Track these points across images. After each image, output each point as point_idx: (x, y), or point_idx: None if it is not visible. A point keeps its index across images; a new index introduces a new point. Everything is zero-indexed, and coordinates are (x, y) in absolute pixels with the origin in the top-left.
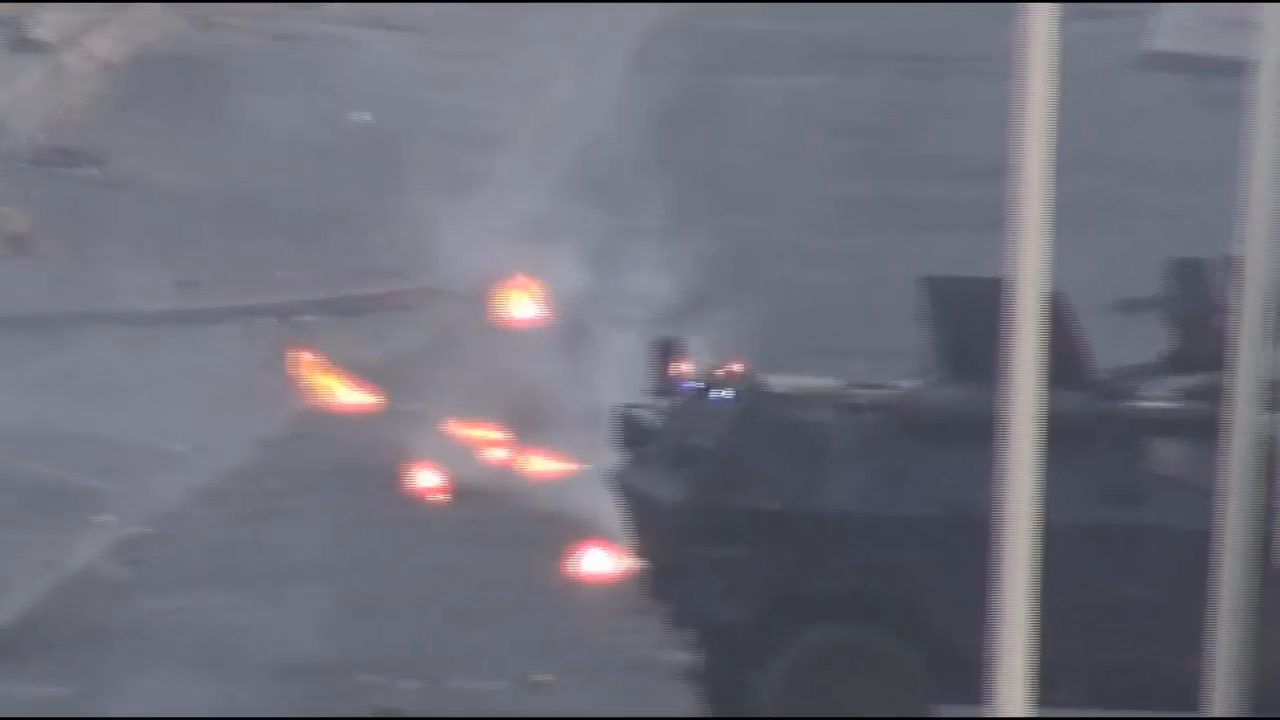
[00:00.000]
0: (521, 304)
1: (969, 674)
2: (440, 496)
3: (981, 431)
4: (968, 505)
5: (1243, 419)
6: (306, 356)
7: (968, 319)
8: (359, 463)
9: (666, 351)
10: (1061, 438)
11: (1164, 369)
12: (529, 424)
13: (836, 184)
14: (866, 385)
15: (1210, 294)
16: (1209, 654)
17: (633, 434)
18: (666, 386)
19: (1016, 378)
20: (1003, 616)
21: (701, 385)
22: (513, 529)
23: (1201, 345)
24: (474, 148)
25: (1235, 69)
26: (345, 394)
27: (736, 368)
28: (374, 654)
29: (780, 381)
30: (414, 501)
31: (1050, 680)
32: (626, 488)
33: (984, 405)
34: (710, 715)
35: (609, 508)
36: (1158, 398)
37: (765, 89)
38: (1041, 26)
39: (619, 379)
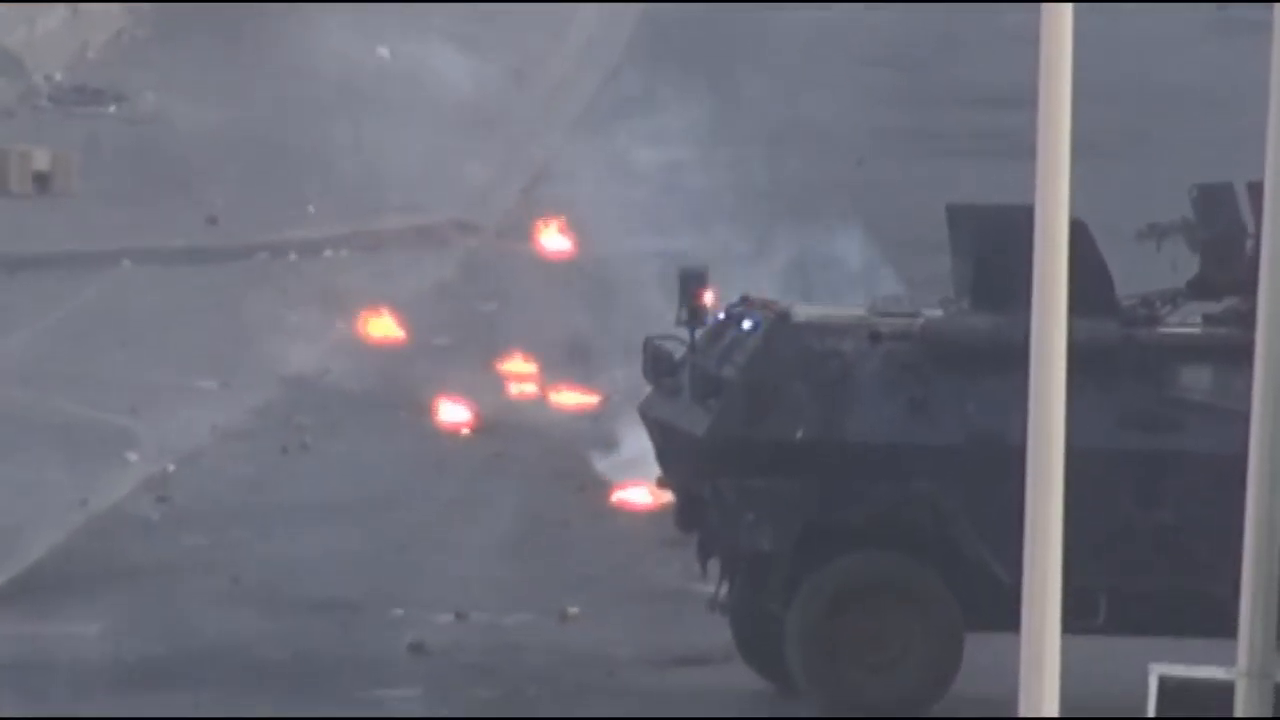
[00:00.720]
0: (549, 237)
1: (999, 601)
2: (468, 430)
3: (1007, 359)
4: (995, 433)
5: (1268, 343)
6: (333, 292)
7: (992, 247)
8: (387, 397)
9: (693, 283)
10: (1087, 364)
11: (1189, 295)
12: (557, 357)
13: (863, 113)
14: (892, 314)
15: (1234, 219)
16: (1238, 578)
17: (660, 365)
18: (693, 318)
19: (1041, 305)
20: (1032, 543)
21: (727, 316)
22: (540, 462)
23: (1226, 270)
24: (499, 82)
25: None
26: (372, 329)
27: (762, 298)
28: (404, 588)
29: (805, 311)
30: (442, 435)
31: (1080, 606)
32: (654, 419)
33: (1009, 332)
34: (738, 643)
35: (637, 439)
36: (1183, 323)
37: (791, 20)
38: None
39: (646, 311)
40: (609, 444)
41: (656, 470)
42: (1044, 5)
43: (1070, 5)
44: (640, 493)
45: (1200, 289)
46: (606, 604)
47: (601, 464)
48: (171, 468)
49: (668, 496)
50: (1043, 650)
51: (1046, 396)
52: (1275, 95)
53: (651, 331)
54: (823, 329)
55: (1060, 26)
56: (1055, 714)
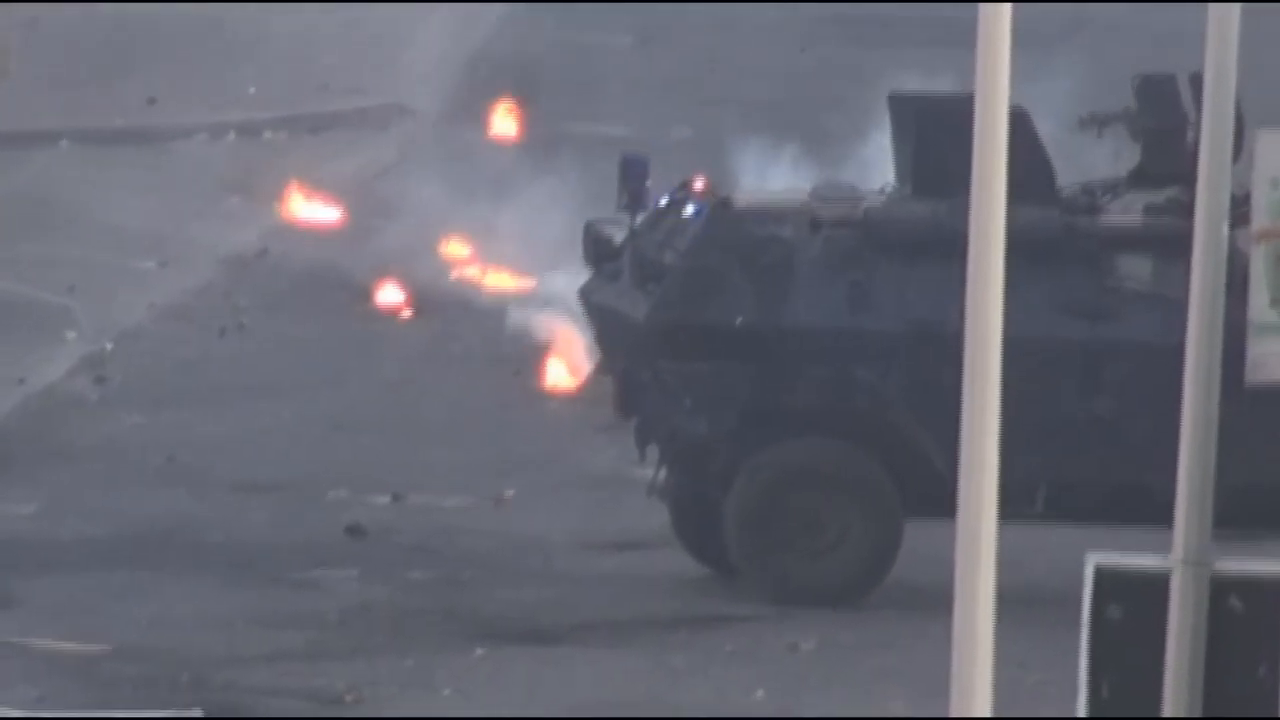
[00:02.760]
0: (494, 121)
1: (938, 489)
2: (406, 313)
3: (947, 247)
4: (934, 320)
5: (1208, 233)
6: (272, 173)
7: (932, 134)
8: (325, 279)
9: (634, 168)
10: (1026, 253)
11: (1130, 184)
12: (494, 240)
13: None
14: (833, 200)
15: (1176, 110)
16: (1176, 470)
17: (600, 250)
18: (634, 203)
19: (981, 193)
20: (969, 432)
21: (669, 202)
22: (478, 345)
23: (1167, 160)
24: None
25: None
26: (311, 210)
27: (702, 184)
28: (341, 470)
29: (746, 197)
30: (380, 318)
31: (1018, 495)
32: (594, 304)
33: (949, 220)
34: (675, 528)
35: (576, 324)
36: (1123, 213)
37: None
38: None
39: (585, 196)
40: (547, 327)
41: (593, 355)
42: None
43: None
44: (574, 376)
45: (1141, 179)
46: (544, 488)
47: (539, 347)
48: (109, 347)
49: (602, 380)
50: (979, 539)
51: (985, 285)
52: None
53: (592, 216)
54: (764, 215)
55: None
56: (991, 602)
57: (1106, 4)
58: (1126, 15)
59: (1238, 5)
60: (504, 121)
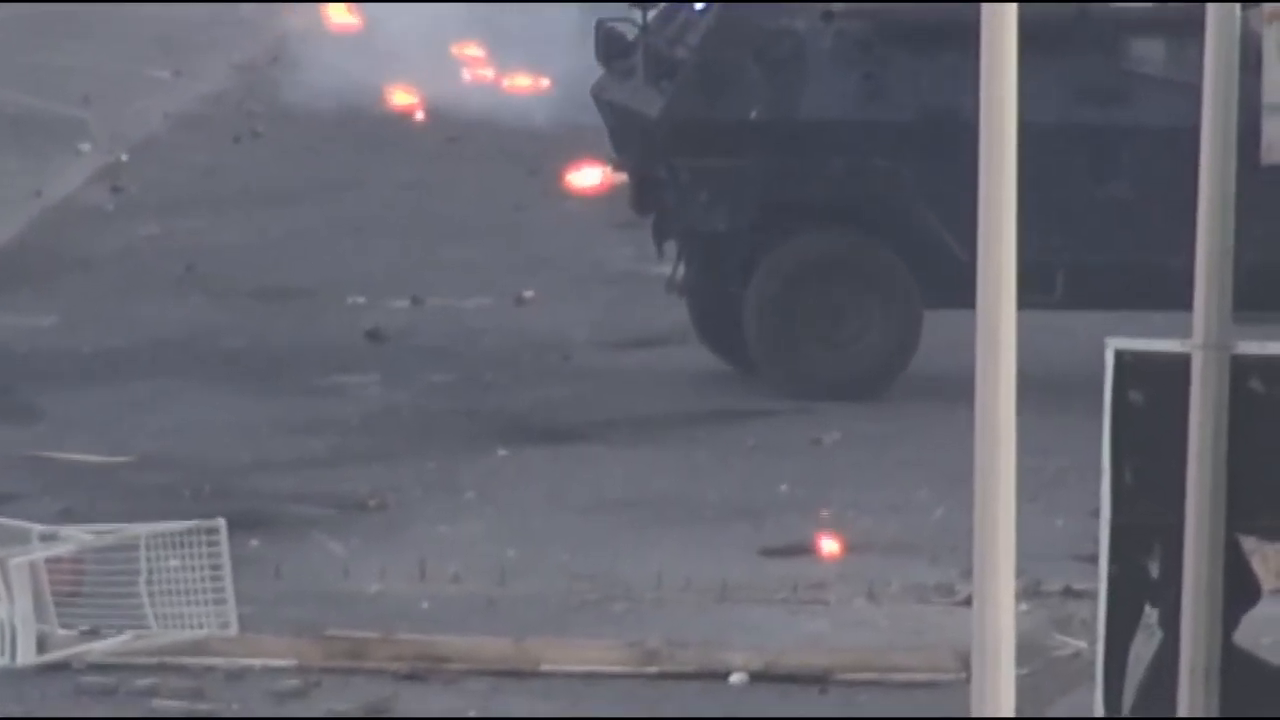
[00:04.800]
0: None
1: (957, 278)
2: (421, 115)
3: (960, 35)
4: (950, 109)
5: (1220, 14)
6: None
7: None
8: (339, 84)
9: None
10: (1039, 39)
11: None
12: (509, 42)
13: None
14: None
15: None
16: (1194, 251)
17: (613, 48)
18: None
19: None
20: (986, 219)
21: None
22: (494, 145)
23: None
24: None
25: None
26: (325, 15)
27: None
28: (359, 274)
29: None
30: (394, 120)
31: (1037, 281)
32: (608, 101)
33: (961, 9)
34: (695, 324)
35: (591, 122)
36: None
37: None
38: None
39: None
40: (562, 126)
41: (608, 153)
42: None
43: None
44: (590, 174)
45: None
46: (562, 287)
47: (553, 146)
48: (125, 157)
49: (618, 177)
50: (999, 327)
51: (998, 72)
52: None
53: (603, 14)
54: (775, 8)
55: None
56: (1012, 388)
57: None
58: None
59: None
60: None
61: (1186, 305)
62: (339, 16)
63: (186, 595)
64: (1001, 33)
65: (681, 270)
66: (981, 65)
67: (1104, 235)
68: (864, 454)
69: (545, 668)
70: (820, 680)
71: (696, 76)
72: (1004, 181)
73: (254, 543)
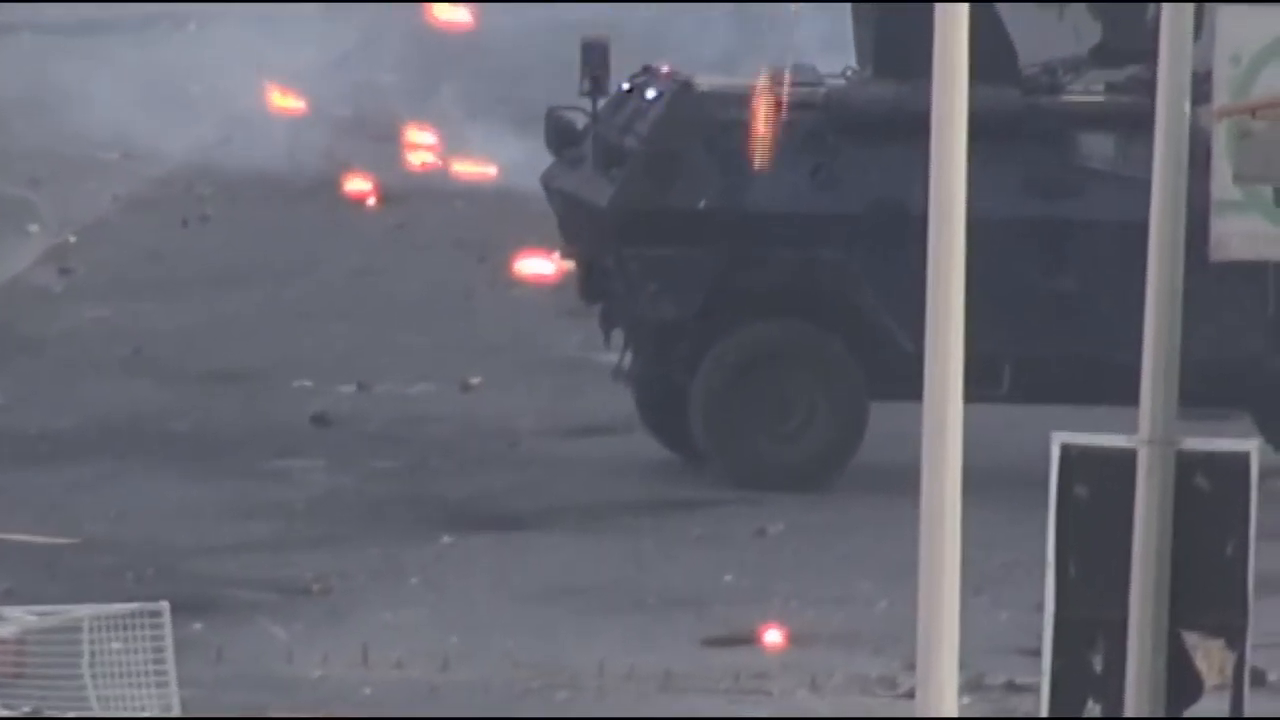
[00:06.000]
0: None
1: (903, 370)
2: (371, 201)
3: (909, 127)
4: (898, 201)
5: (1170, 111)
6: (234, 62)
7: (894, 15)
8: (288, 168)
9: (595, 53)
10: (989, 133)
11: (1091, 62)
12: (457, 128)
13: None
14: (795, 83)
15: None
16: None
17: (563, 136)
18: (595, 88)
19: (942, 73)
20: (934, 311)
21: (630, 86)
22: (442, 232)
23: (1128, 38)
24: None
25: None
26: (274, 99)
27: (664, 68)
28: (307, 359)
29: (708, 80)
30: (344, 206)
31: (984, 375)
32: (557, 189)
33: (911, 101)
34: (641, 413)
35: (540, 209)
36: (1085, 91)
37: None
38: None
39: (549, 81)
40: (511, 214)
41: (557, 241)
42: None
43: None
44: (541, 261)
45: (1102, 57)
46: (509, 374)
47: (502, 234)
48: (73, 239)
49: (569, 265)
50: (945, 420)
51: (948, 165)
52: None
53: (554, 102)
54: (726, 98)
55: None
56: (958, 481)
57: None
58: None
59: None
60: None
61: (1133, 400)
62: (285, 100)
63: (129, 678)
64: (951, 125)
65: (629, 359)
66: (931, 157)
67: (1051, 329)
68: (809, 545)
69: None
70: None
71: (646, 166)
72: (952, 273)
73: (197, 626)
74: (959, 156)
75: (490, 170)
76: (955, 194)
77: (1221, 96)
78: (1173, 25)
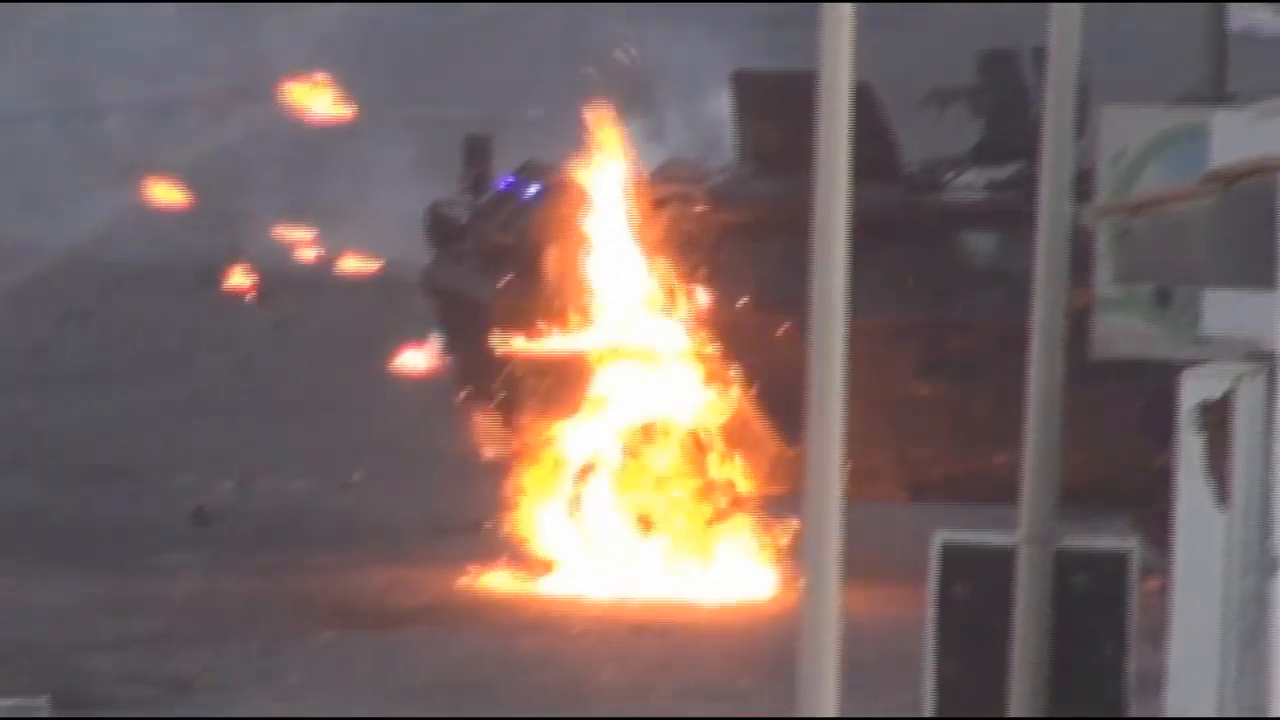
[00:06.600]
0: (327, 103)
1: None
2: (251, 296)
3: (790, 225)
4: (777, 299)
5: (1052, 209)
6: (116, 158)
7: (776, 112)
8: (169, 263)
9: (477, 149)
10: (870, 231)
11: (973, 160)
12: (338, 224)
13: None
14: (677, 179)
15: (1018, 84)
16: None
17: (444, 231)
18: (477, 184)
19: (824, 171)
20: (815, 412)
21: (511, 182)
22: (324, 327)
23: (1010, 135)
24: None
25: None
26: (156, 193)
27: (546, 164)
28: (186, 455)
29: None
30: (225, 301)
31: (865, 474)
32: (438, 285)
33: (792, 198)
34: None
35: (421, 304)
36: (967, 189)
37: None
38: None
39: (428, 177)
40: (392, 310)
41: (438, 336)
42: None
43: None
44: (419, 357)
45: (984, 154)
46: (391, 469)
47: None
48: None
49: (448, 361)
50: (826, 518)
51: (828, 263)
52: None
53: (434, 197)
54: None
55: None
56: (838, 580)
57: None
58: None
59: None
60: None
61: (1013, 499)
62: (167, 193)
63: None
64: (832, 223)
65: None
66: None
67: (933, 428)
68: (688, 643)
69: None
70: None
71: (527, 263)
72: (833, 372)
73: None
74: (840, 253)
75: (374, 265)
76: (836, 292)
77: (1104, 195)
78: (1055, 123)
